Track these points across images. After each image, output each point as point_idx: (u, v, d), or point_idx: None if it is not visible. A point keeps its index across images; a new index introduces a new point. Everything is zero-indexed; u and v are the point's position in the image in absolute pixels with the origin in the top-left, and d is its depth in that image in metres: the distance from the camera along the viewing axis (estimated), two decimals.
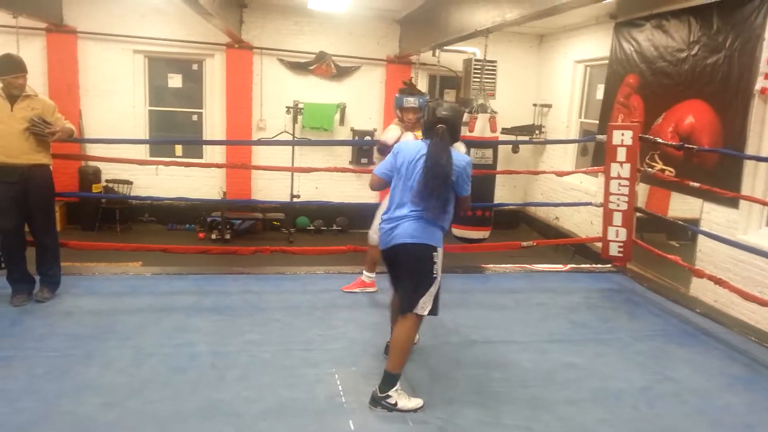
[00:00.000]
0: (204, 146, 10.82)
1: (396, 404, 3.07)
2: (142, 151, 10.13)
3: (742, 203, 6.00)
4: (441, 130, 3.12)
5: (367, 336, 3.99)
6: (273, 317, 4.23)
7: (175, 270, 5.19)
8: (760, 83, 5.81)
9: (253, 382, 3.30)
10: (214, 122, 10.59)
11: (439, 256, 3.13)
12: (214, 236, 9.84)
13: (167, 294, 4.63)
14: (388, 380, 3.09)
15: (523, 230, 11.01)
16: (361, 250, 5.15)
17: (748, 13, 6.02)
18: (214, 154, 10.47)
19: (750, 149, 5.94)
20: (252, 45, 10.31)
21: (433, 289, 3.12)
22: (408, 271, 3.18)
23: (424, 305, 3.11)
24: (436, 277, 3.12)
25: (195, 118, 10.75)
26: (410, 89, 4.58)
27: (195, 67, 10.60)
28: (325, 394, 3.22)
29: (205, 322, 4.08)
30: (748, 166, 6.00)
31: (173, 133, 10.70)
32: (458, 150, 3.35)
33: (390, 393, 3.08)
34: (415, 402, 3.13)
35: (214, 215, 10.02)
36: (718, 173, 6.25)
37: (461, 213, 3.35)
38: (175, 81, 10.57)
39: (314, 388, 3.28)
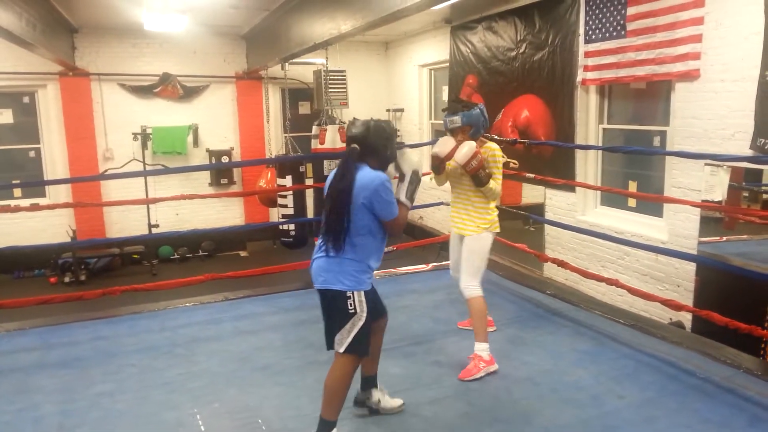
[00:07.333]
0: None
1: None
2: None
3: (578, 187, 6.47)
4: (352, 149, 2.92)
5: (232, 368, 3.89)
6: (128, 362, 4.00)
7: (15, 326, 4.75)
8: (580, 75, 6.30)
9: None
10: (54, 157, 9.83)
11: (355, 299, 2.85)
12: (67, 279, 9.10)
13: (6, 354, 4.23)
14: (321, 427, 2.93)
15: None
16: (218, 277, 4.99)
17: (563, 11, 6.50)
18: (58, 191, 9.73)
19: (578, 137, 6.42)
20: (88, 71, 9.69)
21: (350, 326, 2.85)
22: (325, 313, 2.98)
23: (340, 341, 2.87)
24: (353, 313, 2.84)
25: (32, 154, 9.94)
26: (455, 105, 3.94)
27: (26, 99, 9.81)
28: None
29: (51, 379, 3.78)
30: (579, 153, 6.48)
31: (9, 173, 9.79)
32: (408, 160, 3.04)
33: None
34: None
35: (65, 257, 9.30)
36: (555, 162, 6.71)
37: (395, 235, 3.02)
38: (5, 116, 9.71)
39: None
